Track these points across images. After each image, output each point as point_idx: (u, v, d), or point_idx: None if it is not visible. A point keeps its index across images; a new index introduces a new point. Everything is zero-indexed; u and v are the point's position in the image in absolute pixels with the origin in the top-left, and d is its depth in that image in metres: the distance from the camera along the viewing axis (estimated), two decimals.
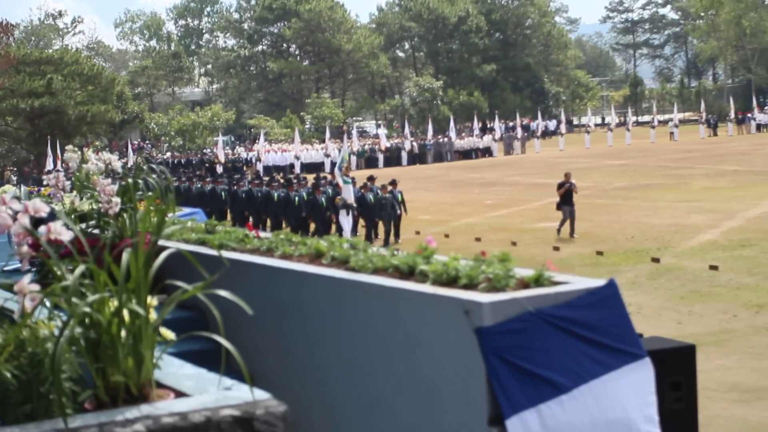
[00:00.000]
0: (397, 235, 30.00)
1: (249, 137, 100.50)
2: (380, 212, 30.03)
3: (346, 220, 29.15)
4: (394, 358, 4.85)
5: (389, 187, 30.53)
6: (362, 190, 30.59)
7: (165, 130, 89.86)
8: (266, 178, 40.42)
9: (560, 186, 29.21)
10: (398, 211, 30.19)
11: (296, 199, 31.98)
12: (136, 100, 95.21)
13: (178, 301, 3.05)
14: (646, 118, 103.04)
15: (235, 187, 36.01)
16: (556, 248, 26.12)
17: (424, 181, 50.11)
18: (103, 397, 2.94)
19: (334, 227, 30.39)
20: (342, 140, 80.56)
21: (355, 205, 29.45)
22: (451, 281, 4.54)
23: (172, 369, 3.25)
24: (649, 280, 21.57)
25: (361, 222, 31.37)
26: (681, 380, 6.29)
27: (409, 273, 4.88)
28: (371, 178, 31.70)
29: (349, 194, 29.08)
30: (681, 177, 42.84)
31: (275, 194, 32.99)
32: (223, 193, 35.98)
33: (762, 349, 15.49)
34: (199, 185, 37.89)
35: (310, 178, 38.98)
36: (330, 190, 32.00)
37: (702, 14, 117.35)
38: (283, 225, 31.78)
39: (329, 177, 36.40)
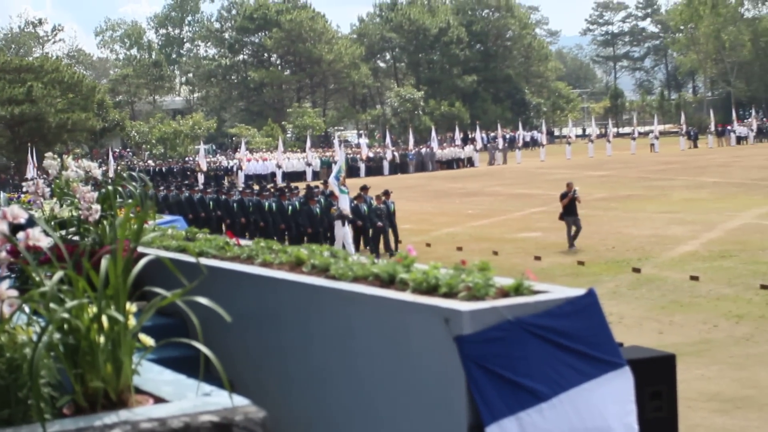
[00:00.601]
0: (387, 245, 29.55)
1: (230, 146, 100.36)
2: (375, 221, 29.65)
3: (341, 231, 28.53)
4: (373, 365, 4.85)
5: (383, 198, 30.16)
6: (356, 201, 30.05)
7: (146, 138, 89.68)
8: (256, 187, 39.69)
9: (563, 196, 28.72)
10: (393, 222, 29.97)
11: (290, 208, 31.55)
12: (117, 108, 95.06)
13: (157, 307, 3.04)
14: (627, 129, 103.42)
15: (224, 196, 35.47)
16: (538, 258, 26.16)
17: (405, 190, 50.05)
18: (82, 402, 2.92)
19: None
20: (323, 149, 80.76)
21: (351, 216, 28.85)
22: (431, 290, 4.55)
23: (151, 375, 3.24)
24: (630, 290, 21.62)
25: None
26: (661, 389, 6.30)
27: (389, 281, 4.88)
28: (364, 188, 31.16)
29: (345, 204, 28.55)
30: (661, 188, 42.98)
31: (266, 203, 32.52)
32: (211, 203, 35.42)
33: (742, 359, 15.55)
34: (187, 194, 37.19)
35: (298, 187, 38.52)
36: (322, 200, 31.52)
37: (681, 27, 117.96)
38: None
39: (321, 187, 35.42)
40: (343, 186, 28.86)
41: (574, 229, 28.07)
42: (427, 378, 4.43)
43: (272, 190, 37.25)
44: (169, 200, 36.11)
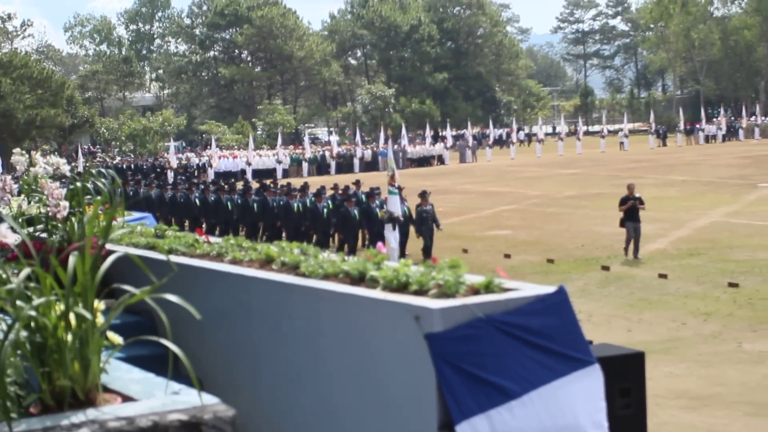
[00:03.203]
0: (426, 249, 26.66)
1: (200, 143, 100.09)
2: (420, 226, 26.86)
3: (392, 236, 25.20)
4: (344, 363, 4.83)
5: (428, 198, 27.38)
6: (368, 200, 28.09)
7: (116, 134, 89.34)
8: (271, 186, 34.78)
9: (623, 201, 26.12)
10: (439, 226, 27.26)
11: (324, 210, 29.24)
12: (87, 104, 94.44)
13: (125, 305, 3.02)
14: (597, 128, 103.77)
15: (245, 196, 32.44)
16: (507, 256, 26.20)
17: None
18: (49, 401, 2.90)
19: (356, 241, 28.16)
20: (294, 146, 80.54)
21: (402, 218, 25.79)
22: (402, 287, 4.54)
23: (119, 373, 3.22)
24: (599, 287, 21.70)
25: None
26: (630, 387, 6.33)
27: (359, 279, 4.87)
28: (399, 189, 27.28)
29: (395, 206, 25.31)
30: None
31: (296, 204, 30.07)
32: (229, 204, 32.37)
33: (710, 356, 15.64)
34: (198, 194, 34.22)
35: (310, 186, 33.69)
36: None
37: (651, 26, 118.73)
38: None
39: (353, 187, 31.78)
40: (392, 186, 25.77)
41: (634, 237, 25.43)
42: (397, 376, 4.42)
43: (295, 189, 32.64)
44: (177, 200, 34.20)
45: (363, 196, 29.83)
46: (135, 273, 3.40)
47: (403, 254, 25.50)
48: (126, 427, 2.69)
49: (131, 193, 35.29)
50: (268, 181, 38.56)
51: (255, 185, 37.36)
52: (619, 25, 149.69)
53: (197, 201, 33.66)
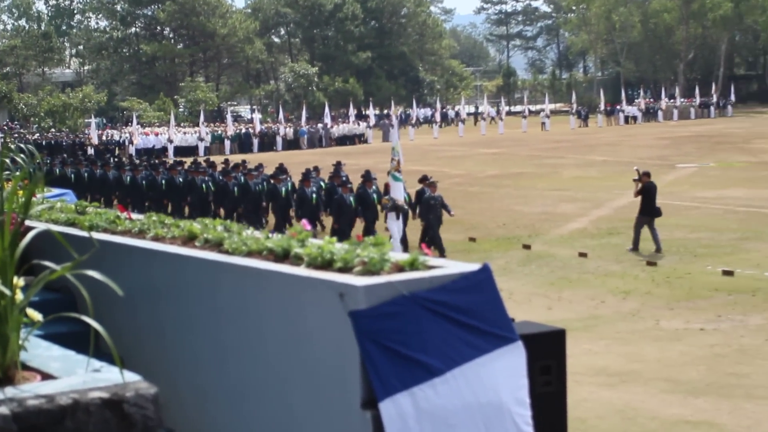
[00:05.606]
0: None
1: (121, 120, 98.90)
2: (428, 214, 24.49)
3: (395, 224, 22.97)
4: (268, 341, 4.82)
5: (436, 185, 25.33)
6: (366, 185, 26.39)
7: (35, 110, 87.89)
8: (250, 167, 32.28)
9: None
10: (451, 212, 24.99)
11: (313, 196, 27.24)
12: (4, 79, 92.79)
13: (45, 281, 2.97)
14: (519, 108, 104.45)
15: (224, 179, 30.24)
16: None
17: (298, 166, 49.80)
18: None
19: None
20: (215, 124, 79.92)
21: (405, 207, 23.61)
22: (326, 264, 4.53)
23: (38, 351, 3.17)
24: (520, 266, 21.89)
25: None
26: (551, 364, 6.37)
27: (283, 256, 4.85)
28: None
29: (399, 193, 23.26)
30: (552, 166, 43.57)
31: (283, 188, 28.30)
32: (203, 185, 30.46)
33: (628, 334, 15.87)
34: (166, 174, 32.22)
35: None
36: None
37: (573, 8, 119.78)
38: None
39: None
40: (397, 172, 23.57)
41: (649, 229, 23.32)
42: (321, 353, 4.42)
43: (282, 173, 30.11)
44: (156, 182, 31.92)
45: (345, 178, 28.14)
46: (56, 249, 3.35)
47: (405, 242, 23.53)
48: (45, 405, 2.65)
49: (47, 170, 33.60)
50: (189, 159, 37.01)
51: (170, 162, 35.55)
52: (542, 7, 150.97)
53: (163, 183, 31.86)
